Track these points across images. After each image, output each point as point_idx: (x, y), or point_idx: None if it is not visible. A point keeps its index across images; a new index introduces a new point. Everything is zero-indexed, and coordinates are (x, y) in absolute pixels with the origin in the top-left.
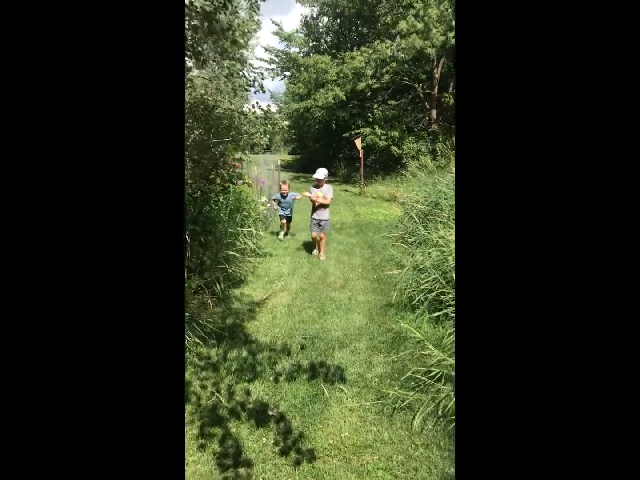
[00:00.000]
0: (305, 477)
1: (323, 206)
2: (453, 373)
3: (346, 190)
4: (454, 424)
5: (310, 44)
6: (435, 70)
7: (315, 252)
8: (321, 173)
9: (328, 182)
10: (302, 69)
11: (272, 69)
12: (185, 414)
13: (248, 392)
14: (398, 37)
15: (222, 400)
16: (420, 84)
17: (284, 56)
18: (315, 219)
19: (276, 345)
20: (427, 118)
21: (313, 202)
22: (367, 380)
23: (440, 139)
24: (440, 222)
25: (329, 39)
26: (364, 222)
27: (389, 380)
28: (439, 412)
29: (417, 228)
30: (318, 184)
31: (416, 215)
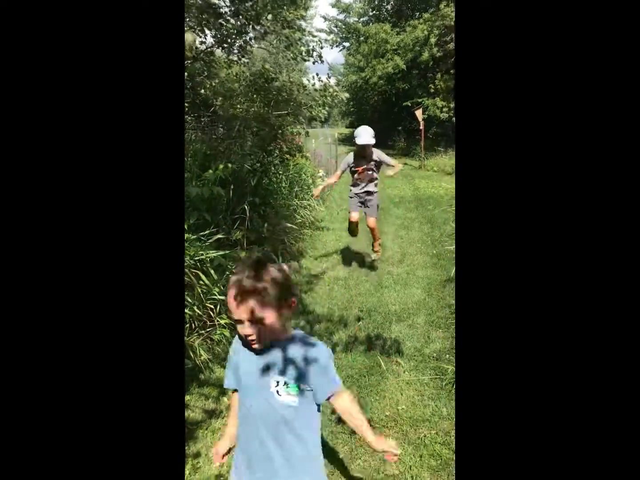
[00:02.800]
0: (361, 445)
1: (371, 179)
2: None
3: (405, 164)
4: None
5: (370, 13)
6: None
7: (374, 255)
8: (366, 134)
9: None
10: (362, 39)
11: (331, 39)
12: None
13: None
14: None
15: None
16: None
17: (343, 26)
18: (357, 194)
19: (333, 317)
20: None
21: (358, 172)
22: (424, 355)
23: None
24: None
25: (389, 7)
26: (424, 197)
27: (447, 355)
28: None
29: None
30: (363, 153)
31: None
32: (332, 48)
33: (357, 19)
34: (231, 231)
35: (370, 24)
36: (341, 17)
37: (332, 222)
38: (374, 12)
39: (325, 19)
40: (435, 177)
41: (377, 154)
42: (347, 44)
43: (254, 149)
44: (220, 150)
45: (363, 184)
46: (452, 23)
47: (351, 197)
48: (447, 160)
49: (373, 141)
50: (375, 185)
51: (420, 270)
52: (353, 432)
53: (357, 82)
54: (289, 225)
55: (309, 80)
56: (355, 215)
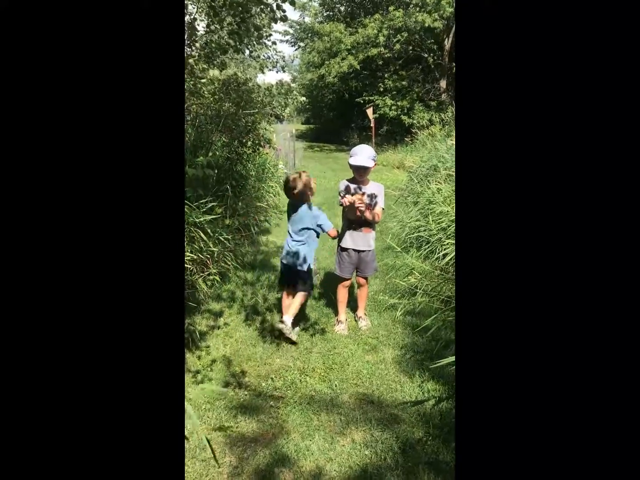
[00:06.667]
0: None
1: (367, 223)
2: (427, 284)
3: None
4: (425, 321)
5: (325, 14)
6: (446, 41)
7: (339, 325)
8: (366, 155)
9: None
10: (317, 38)
11: (287, 40)
12: (235, 308)
13: (279, 299)
14: (410, 6)
15: (260, 301)
16: (431, 54)
17: (298, 26)
18: (348, 250)
19: None
20: (437, 88)
21: (350, 211)
22: None
23: (449, 108)
24: (435, 182)
25: (342, 8)
26: None
27: (381, 293)
28: (415, 310)
29: (415, 187)
30: (359, 178)
31: (416, 177)
32: (292, 62)
33: (311, 20)
34: (213, 205)
35: (325, 23)
36: (296, 15)
37: None
38: (328, 12)
39: (280, 19)
40: (384, 170)
41: (378, 188)
42: (302, 44)
43: (231, 141)
44: (203, 142)
45: (356, 233)
46: (400, 25)
47: (344, 251)
48: (395, 155)
49: (371, 163)
50: (372, 238)
51: None
52: (312, 335)
53: (312, 80)
54: (259, 204)
55: (272, 85)
56: (346, 280)
